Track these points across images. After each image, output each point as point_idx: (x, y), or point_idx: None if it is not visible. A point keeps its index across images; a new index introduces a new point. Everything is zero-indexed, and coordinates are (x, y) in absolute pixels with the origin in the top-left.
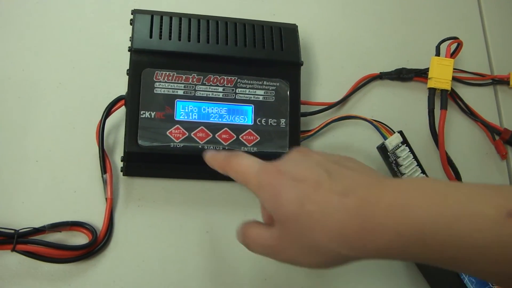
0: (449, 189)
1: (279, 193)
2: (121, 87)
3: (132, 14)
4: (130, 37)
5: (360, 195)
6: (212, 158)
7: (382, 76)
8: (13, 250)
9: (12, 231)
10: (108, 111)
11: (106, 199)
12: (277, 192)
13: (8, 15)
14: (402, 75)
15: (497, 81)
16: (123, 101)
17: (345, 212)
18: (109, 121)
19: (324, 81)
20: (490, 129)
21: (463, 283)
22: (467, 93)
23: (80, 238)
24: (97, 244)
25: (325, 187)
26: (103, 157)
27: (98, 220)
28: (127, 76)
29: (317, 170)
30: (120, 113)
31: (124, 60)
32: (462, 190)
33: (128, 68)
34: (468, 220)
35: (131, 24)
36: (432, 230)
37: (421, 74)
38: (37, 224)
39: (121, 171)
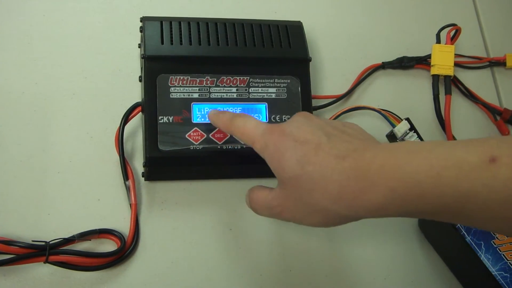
0: (435, 145)
1: (282, 154)
2: (134, 94)
3: (141, 21)
4: (139, 44)
5: (355, 158)
6: (216, 117)
7: (384, 65)
8: (46, 261)
9: (43, 243)
10: (126, 119)
11: (130, 205)
12: (280, 153)
13: (16, 29)
14: (404, 64)
15: (494, 63)
16: (139, 108)
17: (342, 174)
18: (125, 128)
19: (329, 75)
20: (491, 110)
21: (480, 260)
22: (466, 77)
23: (108, 245)
24: (126, 249)
25: (324, 150)
26: (124, 164)
27: (124, 226)
28: (140, 83)
29: (318, 133)
30: (134, 120)
31: (134, 67)
32: (446, 144)
33: (140, 74)
34: (453, 169)
35: (140, 31)
36: (421, 183)
37: (422, 61)
38: (65, 234)
39: (143, 176)
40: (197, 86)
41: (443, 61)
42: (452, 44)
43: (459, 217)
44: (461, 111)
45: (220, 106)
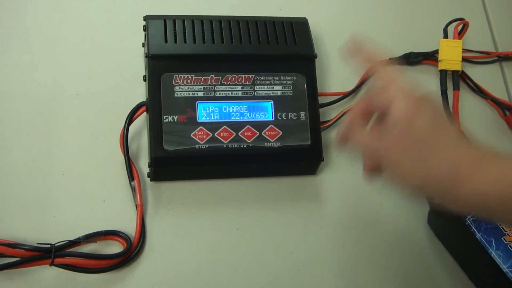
0: None
1: (417, 110)
2: (138, 94)
3: (144, 20)
4: (143, 43)
5: (479, 143)
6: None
7: (391, 62)
8: (52, 264)
9: (49, 246)
10: (130, 119)
11: (136, 205)
12: (415, 108)
13: (19, 31)
14: (411, 59)
15: (503, 58)
16: (144, 108)
17: (466, 147)
18: (130, 128)
19: (335, 72)
20: (500, 105)
21: (491, 257)
22: (474, 72)
23: (114, 247)
24: (132, 251)
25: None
26: (129, 164)
27: (130, 227)
28: (143, 82)
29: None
30: (139, 120)
31: (137, 66)
32: None
33: (144, 74)
34: None
35: (144, 30)
36: None
37: (429, 57)
38: (71, 236)
39: (148, 176)
40: (201, 85)
41: (450, 56)
42: (459, 38)
43: None
44: (469, 107)
45: (225, 105)
